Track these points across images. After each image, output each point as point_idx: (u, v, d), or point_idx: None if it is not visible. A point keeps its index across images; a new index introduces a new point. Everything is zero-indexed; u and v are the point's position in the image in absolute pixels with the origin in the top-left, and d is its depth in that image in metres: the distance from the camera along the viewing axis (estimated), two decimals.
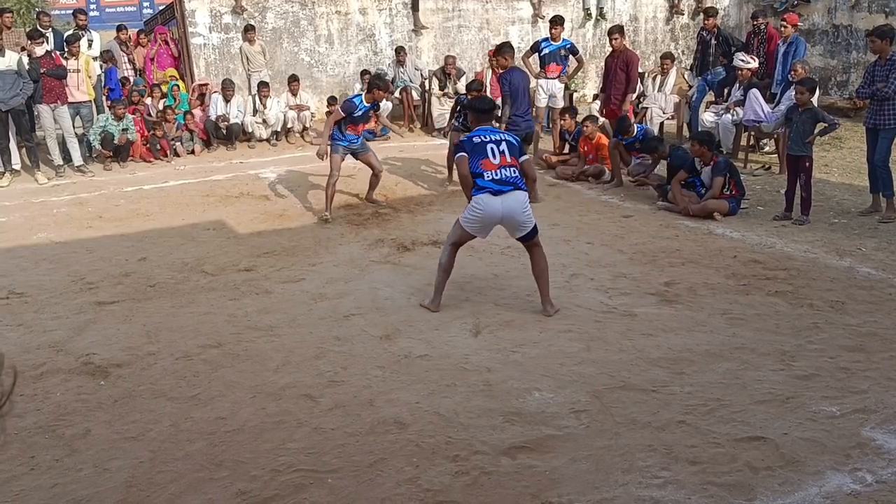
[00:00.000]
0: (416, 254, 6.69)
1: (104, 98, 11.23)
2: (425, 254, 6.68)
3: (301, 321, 5.33)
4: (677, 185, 7.91)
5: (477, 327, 5.05)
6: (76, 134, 10.55)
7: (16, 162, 10.14)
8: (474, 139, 5.24)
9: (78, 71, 10.45)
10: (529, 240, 5.25)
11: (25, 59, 9.82)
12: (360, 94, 8.17)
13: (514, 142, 5.31)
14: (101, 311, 5.59)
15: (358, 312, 5.43)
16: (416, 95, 13.23)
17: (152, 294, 5.95)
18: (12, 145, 10.03)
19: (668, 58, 11.29)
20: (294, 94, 12.23)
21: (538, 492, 3.25)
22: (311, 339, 5.02)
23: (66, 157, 10.43)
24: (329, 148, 7.96)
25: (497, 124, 6.45)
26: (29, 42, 10.18)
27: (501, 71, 8.68)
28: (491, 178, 5.08)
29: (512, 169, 5.15)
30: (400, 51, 13.17)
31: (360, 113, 7.91)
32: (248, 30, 12.45)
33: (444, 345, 4.81)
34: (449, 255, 5.38)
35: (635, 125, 9.29)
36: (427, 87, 13.17)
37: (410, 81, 13.14)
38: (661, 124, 11.31)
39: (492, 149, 5.15)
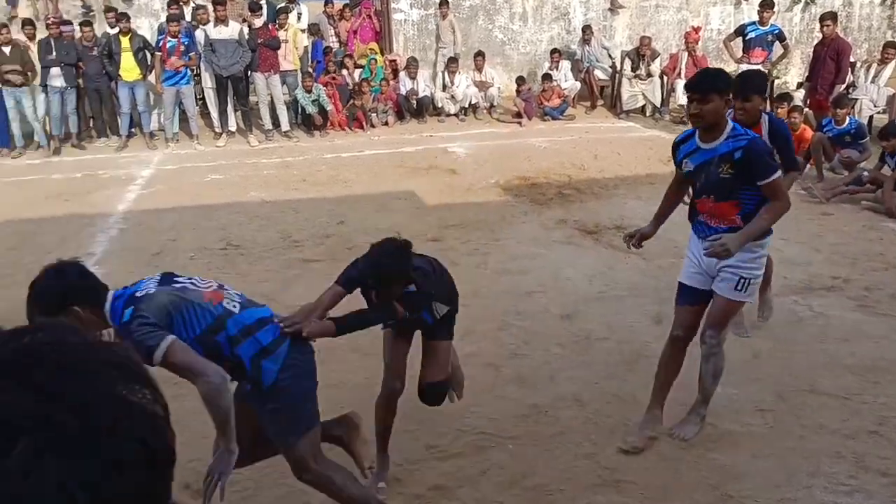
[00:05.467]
0: (600, 237, 6.73)
1: (311, 70, 11.99)
2: (609, 238, 6.70)
3: (485, 293, 5.56)
4: (891, 184, 7.38)
5: (659, 315, 5.06)
6: (284, 101, 11.39)
7: (231, 125, 11.13)
8: None
9: (286, 41, 11.24)
10: None
11: (245, 30, 10.70)
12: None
13: None
14: (306, 267, 6.11)
15: (540, 290, 5.59)
16: (601, 75, 13.08)
17: (350, 256, 6.30)
18: (229, 109, 11.01)
19: (892, 47, 10.40)
20: (479, 71, 12.48)
21: (718, 483, 3.28)
22: (494, 311, 5.24)
23: (275, 122, 11.29)
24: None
25: None
26: (249, 13, 11.08)
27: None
28: None
29: None
30: (586, 29, 13.02)
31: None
32: (442, 4, 12.76)
33: (624, 329, 4.87)
34: None
35: (848, 117, 8.72)
36: (618, 68, 12.98)
37: (597, 61, 13.01)
38: (871, 118, 10.52)
39: None
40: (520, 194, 8.22)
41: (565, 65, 12.91)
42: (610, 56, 13.19)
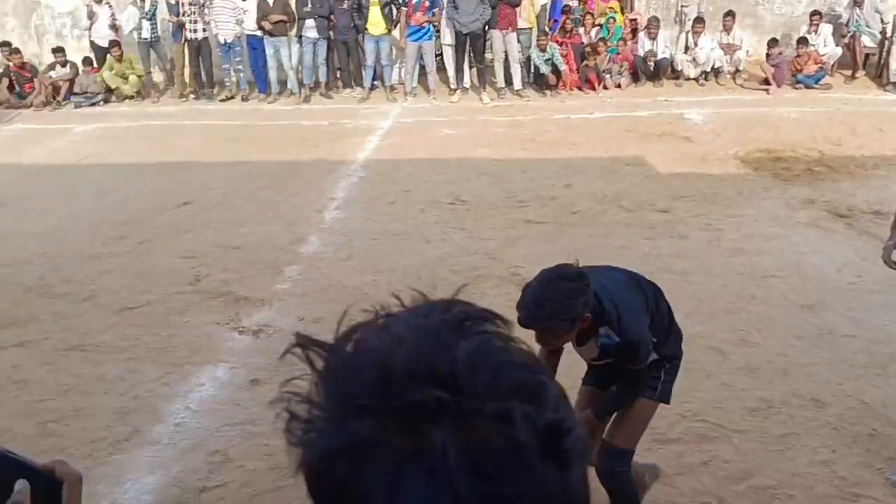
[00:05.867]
0: (854, 222, 6.09)
1: (547, 29, 11.85)
2: (864, 225, 6.04)
3: (716, 272, 5.25)
4: None
5: None
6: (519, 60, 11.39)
7: (466, 81, 11.32)
8: None
9: None
10: None
11: None
12: None
13: None
14: (529, 227, 6.11)
15: (778, 275, 5.18)
16: (868, 42, 11.72)
17: (574, 220, 6.31)
18: (465, 65, 11.20)
19: None
20: (728, 32, 11.66)
21: None
22: (725, 292, 4.94)
23: (508, 80, 11.32)
24: None
25: None
26: None
27: None
28: None
29: None
30: None
31: None
32: None
33: (876, 328, 4.38)
34: None
35: None
36: (889, 35, 11.56)
37: (867, 26, 11.65)
38: None
39: None
40: (761, 168, 7.63)
41: (826, 28, 11.70)
42: (882, 21, 11.75)
